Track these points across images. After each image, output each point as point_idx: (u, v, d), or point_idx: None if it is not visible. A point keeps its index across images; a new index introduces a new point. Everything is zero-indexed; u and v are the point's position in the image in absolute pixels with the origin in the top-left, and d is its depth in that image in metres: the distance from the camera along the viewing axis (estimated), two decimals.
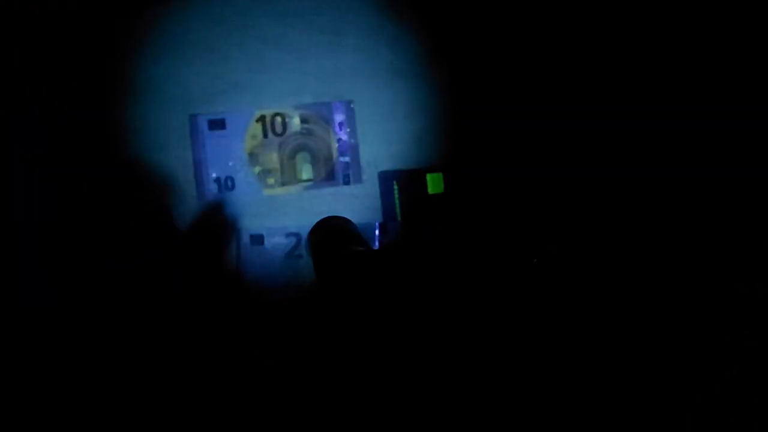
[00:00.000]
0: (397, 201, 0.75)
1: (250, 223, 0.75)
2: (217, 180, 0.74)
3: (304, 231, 0.75)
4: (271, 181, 0.75)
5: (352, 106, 0.76)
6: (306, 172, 0.76)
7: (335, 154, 0.76)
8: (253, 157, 0.75)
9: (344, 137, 0.76)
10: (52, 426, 0.70)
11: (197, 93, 0.75)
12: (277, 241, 0.75)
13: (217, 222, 0.75)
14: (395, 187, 0.75)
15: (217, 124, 0.74)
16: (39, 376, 0.70)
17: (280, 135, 0.75)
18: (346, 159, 0.76)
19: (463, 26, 0.76)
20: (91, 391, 0.71)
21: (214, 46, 0.75)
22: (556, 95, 0.76)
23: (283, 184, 0.75)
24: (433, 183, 0.75)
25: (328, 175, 0.76)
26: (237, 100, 0.75)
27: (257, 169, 0.75)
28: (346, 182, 0.76)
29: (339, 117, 0.76)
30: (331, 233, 0.65)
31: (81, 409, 0.70)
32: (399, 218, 0.75)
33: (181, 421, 0.71)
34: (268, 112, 0.75)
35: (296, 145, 0.76)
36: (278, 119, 0.75)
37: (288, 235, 0.75)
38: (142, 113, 0.73)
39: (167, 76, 0.75)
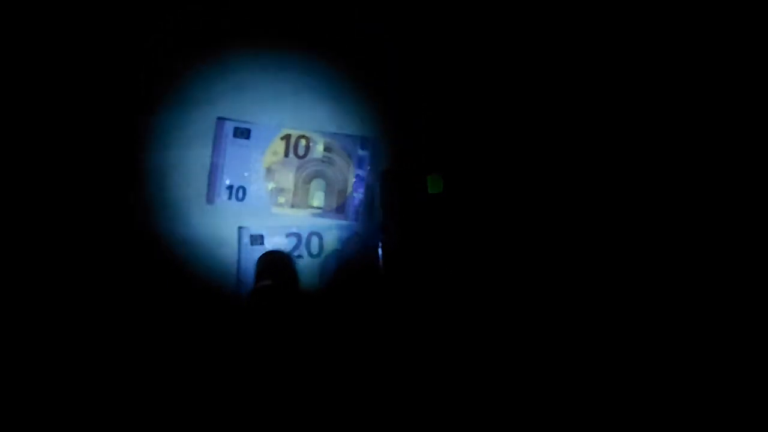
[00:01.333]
0: (397, 201, 0.75)
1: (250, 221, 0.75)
2: (230, 187, 0.74)
3: (305, 231, 0.75)
4: (281, 200, 0.75)
5: (378, 145, 0.76)
6: (318, 200, 0.76)
7: (350, 189, 0.76)
8: (269, 172, 0.75)
9: (363, 174, 0.76)
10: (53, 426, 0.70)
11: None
12: (277, 241, 0.75)
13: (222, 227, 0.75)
14: (395, 187, 0.75)
15: (242, 133, 0.75)
16: (39, 376, 0.71)
17: (301, 157, 0.76)
18: (360, 195, 0.76)
19: (463, 27, 0.76)
20: (91, 390, 0.71)
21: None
22: (554, 97, 0.77)
23: (292, 205, 0.75)
24: (433, 183, 0.75)
25: (339, 207, 0.76)
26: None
27: (271, 185, 0.75)
28: (355, 219, 0.76)
29: (362, 153, 0.76)
30: (265, 266, 0.72)
31: (81, 409, 0.71)
32: (399, 218, 0.75)
33: (180, 421, 0.71)
34: (294, 132, 0.75)
35: (314, 171, 0.76)
36: (302, 141, 0.76)
37: (288, 235, 0.75)
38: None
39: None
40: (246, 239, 0.74)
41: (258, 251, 0.74)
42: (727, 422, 0.72)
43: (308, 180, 0.76)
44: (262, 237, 0.74)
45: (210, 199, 0.74)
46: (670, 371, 0.74)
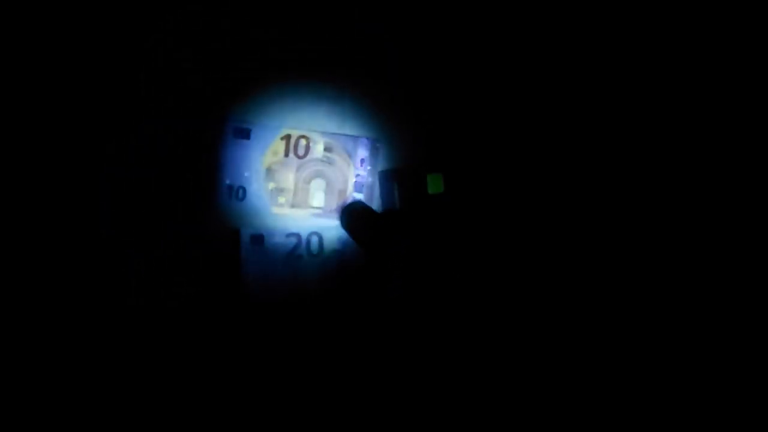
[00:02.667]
0: (397, 201, 0.75)
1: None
2: (229, 187, 0.74)
3: (305, 231, 0.75)
4: (281, 200, 0.75)
5: (378, 145, 0.76)
6: (317, 200, 0.76)
7: (350, 188, 0.76)
8: (269, 173, 0.75)
9: (363, 174, 0.76)
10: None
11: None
12: (277, 242, 0.74)
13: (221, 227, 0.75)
14: (395, 187, 0.75)
15: (242, 133, 0.75)
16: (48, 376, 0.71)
17: (301, 158, 0.75)
18: (360, 196, 0.76)
19: (463, 27, 0.76)
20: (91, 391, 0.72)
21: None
22: (555, 97, 0.77)
23: (292, 206, 0.75)
24: (433, 183, 0.75)
25: (339, 207, 0.76)
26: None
27: (271, 185, 0.75)
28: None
29: (362, 153, 0.76)
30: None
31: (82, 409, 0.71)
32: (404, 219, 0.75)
33: (180, 421, 0.72)
34: (294, 132, 0.75)
35: (314, 171, 0.76)
36: (303, 141, 0.76)
37: (288, 235, 0.75)
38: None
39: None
40: (246, 239, 0.74)
41: (258, 251, 0.74)
42: (727, 422, 0.72)
43: (308, 180, 0.76)
44: (262, 237, 0.74)
45: (210, 199, 0.74)
46: (671, 371, 0.74)
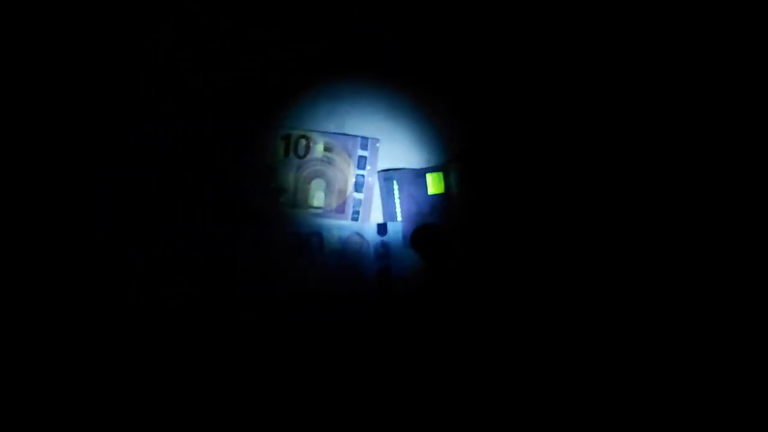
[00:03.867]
0: (397, 201, 0.75)
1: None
2: (230, 187, 0.75)
3: (305, 231, 0.75)
4: (282, 199, 0.75)
5: (377, 145, 0.76)
6: (318, 200, 0.76)
7: (350, 188, 0.76)
8: (269, 172, 0.75)
9: (363, 174, 0.76)
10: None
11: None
12: (277, 242, 0.74)
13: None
14: (395, 187, 0.75)
15: (243, 133, 0.75)
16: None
17: (301, 157, 0.75)
18: (360, 196, 0.76)
19: (463, 27, 0.76)
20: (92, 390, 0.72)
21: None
22: (554, 96, 0.77)
23: (292, 205, 0.75)
24: (433, 183, 0.75)
25: (339, 207, 0.76)
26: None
27: (271, 185, 0.75)
28: (355, 219, 0.76)
29: (362, 153, 0.76)
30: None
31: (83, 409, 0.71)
32: (399, 218, 0.75)
33: (180, 421, 0.72)
34: (294, 132, 0.75)
35: (314, 171, 0.76)
36: (302, 141, 0.76)
37: (288, 235, 0.75)
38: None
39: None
40: (246, 239, 0.74)
41: (258, 252, 0.74)
42: (727, 422, 0.72)
43: (308, 180, 0.76)
44: (262, 237, 0.74)
45: (211, 198, 0.74)
46: (671, 371, 0.74)
